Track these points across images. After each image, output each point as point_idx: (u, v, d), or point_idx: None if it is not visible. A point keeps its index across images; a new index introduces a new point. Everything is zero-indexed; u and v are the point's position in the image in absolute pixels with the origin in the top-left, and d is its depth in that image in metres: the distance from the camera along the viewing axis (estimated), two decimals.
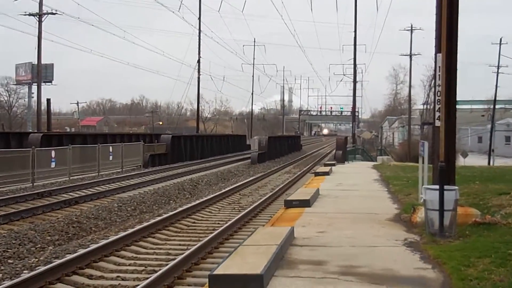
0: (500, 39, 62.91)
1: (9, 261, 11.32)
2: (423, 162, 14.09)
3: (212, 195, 20.95)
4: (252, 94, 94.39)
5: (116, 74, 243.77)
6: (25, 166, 23.59)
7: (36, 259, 11.15)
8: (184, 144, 44.43)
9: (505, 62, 69.18)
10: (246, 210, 16.81)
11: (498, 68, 62.87)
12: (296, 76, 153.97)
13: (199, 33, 60.65)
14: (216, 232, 13.07)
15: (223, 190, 22.87)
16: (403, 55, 72.77)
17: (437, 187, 10.60)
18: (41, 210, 16.99)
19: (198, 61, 61.11)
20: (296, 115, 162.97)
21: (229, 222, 14.41)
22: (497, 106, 67.50)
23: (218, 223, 15.54)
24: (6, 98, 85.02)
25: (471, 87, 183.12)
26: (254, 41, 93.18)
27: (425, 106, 62.68)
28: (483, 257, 8.59)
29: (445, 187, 10.50)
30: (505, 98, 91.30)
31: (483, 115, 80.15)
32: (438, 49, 11.95)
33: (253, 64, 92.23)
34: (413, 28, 67.98)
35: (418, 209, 12.16)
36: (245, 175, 33.48)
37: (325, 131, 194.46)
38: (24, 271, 10.06)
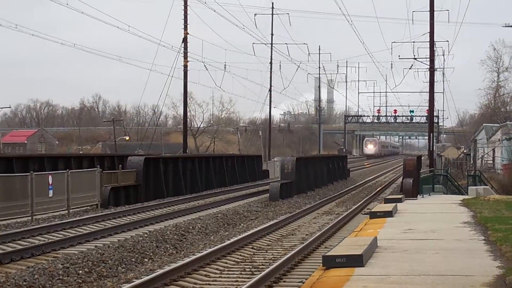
0: None
1: None
2: None
3: (209, 250, 20.94)
4: (270, 91, 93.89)
5: (56, 63, 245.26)
6: None
7: None
8: (165, 170, 44.67)
9: None
10: (264, 273, 16.82)
11: None
12: (340, 62, 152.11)
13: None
14: None
15: (227, 242, 22.87)
16: (508, 26, 72.61)
17: None
18: None
19: (184, 40, 61.47)
20: (340, 124, 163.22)
21: None
22: None
23: None
24: None
25: None
26: (272, 7, 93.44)
27: None
28: None
29: None
30: None
31: None
32: None
33: (271, 43, 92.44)
34: None
35: None
36: (260, 217, 33.53)
37: (371, 148, 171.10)
38: None
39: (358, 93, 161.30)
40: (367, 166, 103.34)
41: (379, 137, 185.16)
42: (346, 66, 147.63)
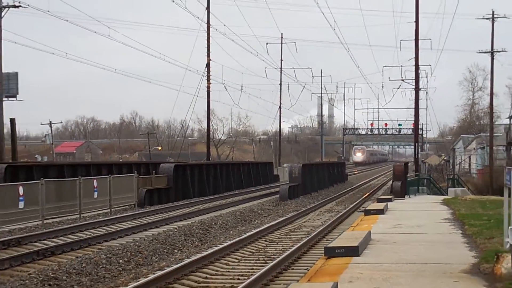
0: None
1: None
2: (510, 196, 14.07)
3: (229, 242, 20.93)
4: (280, 108, 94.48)
5: (100, 85, 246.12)
6: None
7: None
8: (191, 175, 44.68)
9: None
10: (275, 261, 16.74)
11: None
12: (339, 84, 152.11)
13: (208, 27, 61.11)
14: None
15: (244, 235, 22.84)
16: (481, 52, 72.19)
17: None
18: (8, 263, 17.07)
19: (207, 65, 61.52)
20: (340, 135, 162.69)
21: (253, 277, 14.40)
22: None
23: (238, 279, 15.54)
24: None
25: None
26: (282, 37, 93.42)
27: None
28: None
29: None
30: None
31: None
32: None
33: (281, 68, 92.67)
34: (495, 16, 67.26)
35: (503, 257, 12.13)
36: (272, 215, 33.48)
37: (359, 156, 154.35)
38: None
39: (355, 109, 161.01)
40: (356, 172, 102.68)
41: (370, 146, 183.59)
42: (344, 87, 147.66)
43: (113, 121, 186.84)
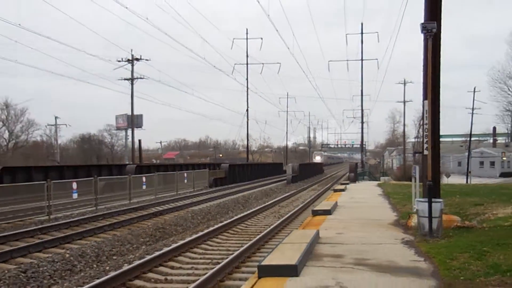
0: (474, 88, 62.45)
1: (114, 257, 11.47)
2: (415, 181, 13.88)
3: (258, 207, 20.88)
4: (287, 133, 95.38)
5: (188, 120, 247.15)
6: (123, 189, 24.03)
7: (133, 256, 11.26)
8: (238, 170, 44.59)
9: (478, 105, 68.31)
10: (284, 217, 16.67)
11: (472, 110, 62.16)
12: (319, 119, 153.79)
13: (247, 90, 61.03)
14: (262, 233, 13.01)
15: (267, 203, 22.79)
16: (398, 102, 72.49)
17: (426, 200, 10.40)
18: (136, 220, 17.21)
19: (247, 110, 61.45)
20: (319, 148, 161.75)
21: (272, 226, 14.32)
22: (472, 139, 66.40)
23: (264, 227, 15.46)
24: (109, 140, 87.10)
25: (452, 124, 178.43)
26: (287, 95, 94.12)
27: (416, 139, 61.42)
28: (463, 252, 8.35)
29: (433, 200, 10.29)
30: (478, 133, 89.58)
31: (461, 145, 78.61)
32: (425, 97, 11.81)
33: (287, 111, 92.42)
34: (405, 82, 67.17)
35: (412, 216, 11.93)
36: (282, 192, 33.31)
37: (318, 159, 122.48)
38: (125, 264, 10.17)
39: (327, 133, 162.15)
40: (335, 166, 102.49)
41: (337, 153, 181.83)
42: (322, 121, 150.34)
43: (195, 140, 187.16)
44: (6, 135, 70.13)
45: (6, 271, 9.49)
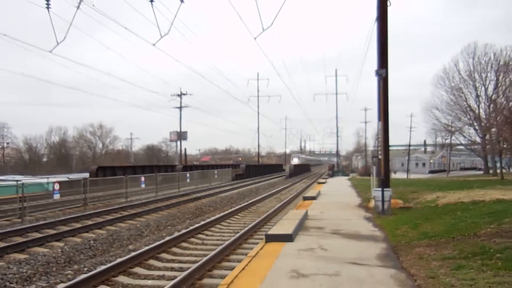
0: (411, 114, 64.26)
1: (168, 227, 11.55)
2: (373, 176, 13.83)
3: (266, 194, 20.80)
4: (285, 143, 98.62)
5: (217, 135, 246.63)
6: (174, 181, 24.09)
7: (181, 226, 11.35)
8: (251, 169, 44.47)
9: (414, 125, 69.52)
10: (284, 201, 16.54)
11: (410, 128, 64.42)
12: (307, 134, 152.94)
13: (258, 114, 61.38)
14: (268, 212, 12.96)
15: (272, 191, 22.67)
16: (362, 122, 71.96)
17: (380, 189, 10.42)
18: (183, 202, 17.17)
19: (258, 128, 61.64)
20: (308, 154, 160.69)
21: (275, 207, 14.23)
22: (410, 148, 67.99)
23: (269, 208, 15.35)
24: (165, 148, 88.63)
25: (397, 137, 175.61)
26: (286, 118, 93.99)
27: (374, 148, 61.01)
28: (404, 224, 8.38)
29: (384, 189, 10.32)
30: (414, 143, 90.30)
31: (403, 152, 78.71)
32: (379, 119, 11.89)
33: (285, 128, 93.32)
34: (366, 109, 68.55)
35: (370, 200, 11.90)
36: (282, 184, 33.08)
37: (295, 160, 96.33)
38: (175, 232, 10.28)
39: (313, 144, 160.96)
40: (319, 165, 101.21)
41: (320, 158, 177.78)
42: (309, 136, 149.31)
43: (222, 148, 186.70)
44: (100, 145, 76.05)
45: (101, 235, 9.87)
